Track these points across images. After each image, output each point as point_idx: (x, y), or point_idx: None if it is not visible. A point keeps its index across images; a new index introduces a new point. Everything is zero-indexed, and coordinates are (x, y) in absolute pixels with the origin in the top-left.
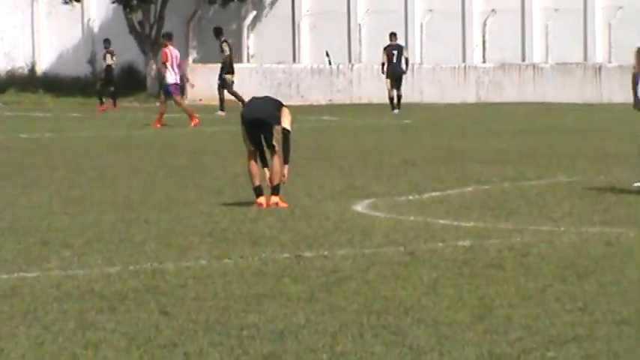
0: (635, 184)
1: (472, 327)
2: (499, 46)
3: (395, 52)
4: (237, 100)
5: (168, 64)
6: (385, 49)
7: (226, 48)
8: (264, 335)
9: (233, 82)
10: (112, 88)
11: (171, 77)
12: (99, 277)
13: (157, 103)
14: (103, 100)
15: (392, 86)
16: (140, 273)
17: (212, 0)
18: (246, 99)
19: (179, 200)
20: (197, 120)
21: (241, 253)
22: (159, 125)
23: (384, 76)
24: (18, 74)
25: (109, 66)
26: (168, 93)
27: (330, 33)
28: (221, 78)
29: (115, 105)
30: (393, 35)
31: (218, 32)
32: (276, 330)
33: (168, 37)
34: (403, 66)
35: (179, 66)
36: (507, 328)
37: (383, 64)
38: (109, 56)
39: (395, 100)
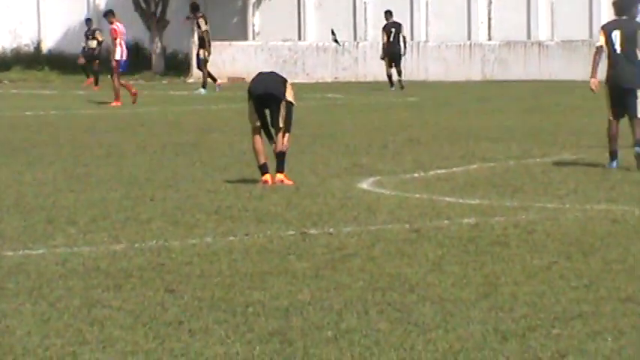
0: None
1: (477, 304)
2: (504, 24)
3: (392, 31)
4: (209, 77)
5: (118, 41)
6: (383, 28)
7: (203, 23)
8: (269, 312)
9: (207, 60)
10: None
11: (119, 54)
12: (104, 254)
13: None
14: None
15: (390, 65)
16: (146, 251)
17: None
18: (251, 76)
19: (185, 178)
20: (120, 103)
21: (246, 230)
22: (119, 103)
23: (381, 54)
24: (23, 52)
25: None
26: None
27: (335, 10)
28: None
29: (96, 84)
30: (388, 13)
31: (194, 8)
32: (281, 307)
33: (112, 13)
34: (401, 45)
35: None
36: (512, 305)
37: (383, 45)
38: (98, 33)
39: (395, 78)
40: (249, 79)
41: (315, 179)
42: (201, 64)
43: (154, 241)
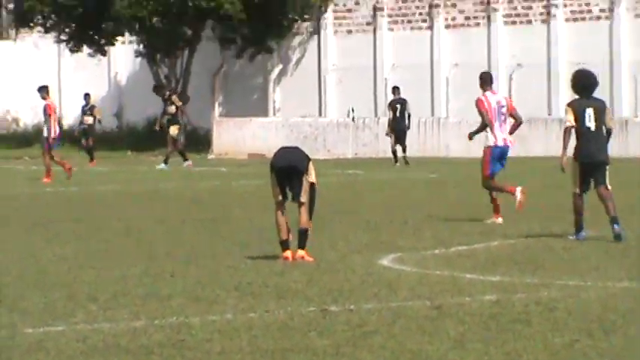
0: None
1: None
2: (525, 101)
3: (398, 107)
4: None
5: (52, 118)
6: (389, 104)
7: (176, 100)
8: None
9: (177, 139)
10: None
11: (53, 131)
12: (125, 331)
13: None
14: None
15: (395, 141)
16: (166, 327)
17: (238, 54)
18: (272, 153)
19: (205, 254)
20: (50, 179)
21: (267, 307)
22: (49, 180)
23: (387, 131)
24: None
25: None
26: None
27: (355, 87)
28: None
29: (92, 160)
30: (395, 89)
31: (158, 89)
32: None
33: (46, 89)
34: (406, 121)
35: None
36: None
37: (389, 120)
38: (96, 110)
39: (399, 154)
40: (269, 155)
41: (335, 255)
42: (170, 141)
43: (175, 318)
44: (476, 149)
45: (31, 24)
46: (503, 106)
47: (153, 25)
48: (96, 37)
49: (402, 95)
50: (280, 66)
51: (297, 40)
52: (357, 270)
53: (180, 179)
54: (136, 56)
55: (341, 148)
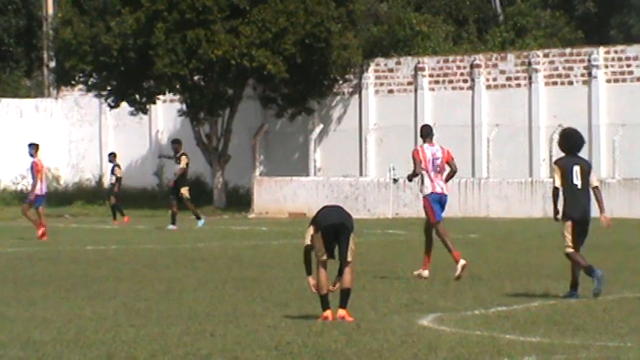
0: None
1: None
2: None
3: None
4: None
5: (39, 176)
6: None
7: (185, 160)
8: None
9: (188, 196)
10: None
11: (40, 189)
12: None
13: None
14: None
15: None
16: None
17: (279, 113)
18: (312, 212)
19: (245, 313)
20: (42, 230)
21: None
22: (44, 237)
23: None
24: (85, 186)
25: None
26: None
27: (396, 147)
28: (175, 192)
29: (115, 219)
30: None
31: (177, 142)
32: None
33: (36, 147)
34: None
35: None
36: None
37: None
38: (117, 169)
39: None
40: (310, 214)
41: (375, 315)
42: (185, 201)
43: None
44: (516, 210)
45: (73, 82)
46: (438, 158)
47: (195, 83)
48: (137, 95)
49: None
50: (321, 125)
51: (338, 99)
52: (397, 330)
53: (221, 238)
54: (179, 115)
55: (381, 208)
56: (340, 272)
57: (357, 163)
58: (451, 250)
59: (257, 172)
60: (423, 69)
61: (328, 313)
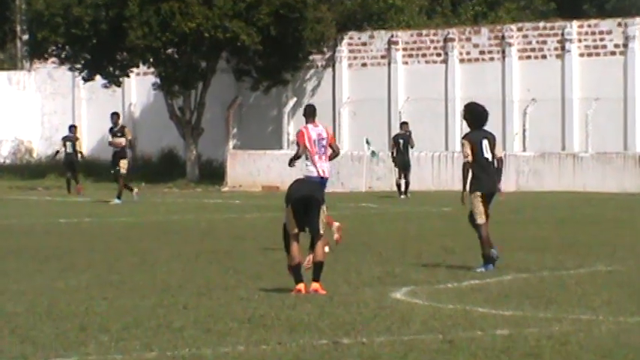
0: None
1: None
2: (539, 135)
3: (401, 141)
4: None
5: None
6: (393, 138)
7: (129, 132)
8: None
9: (124, 172)
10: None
11: None
12: None
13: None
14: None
15: (400, 175)
16: (178, 359)
17: (254, 86)
18: (286, 185)
19: (218, 286)
20: None
21: (279, 339)
22: None
23: (393, 164)
24: (58, 159)
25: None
26: None
27: (369, 120)
28: (114, 165)
29: (69, 190)
30: (402, 125)
31: (116, 115)
32: None
33: None
34: (411, 155)
35: None
36: None
37: (392, 153)
38: (69, 144)
39: (402, 187)
40: (283, 187)
41: (348, 288)
42: (119, 175)
43: (187, 350)
44: None
45: (46, 55)
46: (323, 139)
47: (168, 56)
48: (110, 68)
49: (419, 129)
50: (295, 99)
51: (311, 72)
52: (370, 303)
53: (195, 211)
54: (153, 89)
55: (355, 182)
56: (312, 246)
57: None
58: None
59: (230, 146)
60: (396, 43)
61: (301, 286)
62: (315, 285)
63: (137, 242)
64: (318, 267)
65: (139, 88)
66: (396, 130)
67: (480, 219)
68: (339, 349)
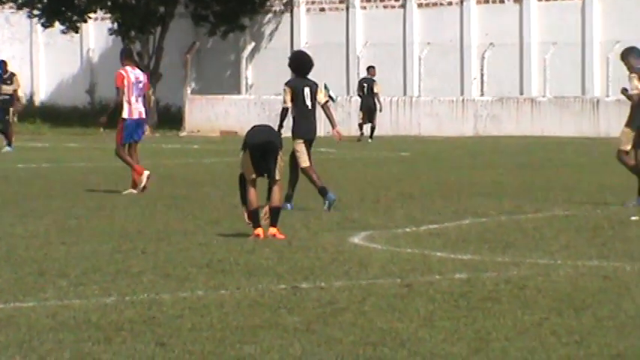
0: (633, 218)
1: None
2: (497, 80)
3: (365, 86)
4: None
5: None
6: (359, 81)
7: (17, 80)
8: None
9: (14, 120)
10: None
11: None
12: (95, 307)
13: None
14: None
15: (363, 119)
16: (136, 304)
17: (212, 31)
18: (244, 130)
19: (177, 231)
20: None
21: (238, 284)
22: None
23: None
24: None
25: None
26: None
27: (328, 65)
28: (5, 111)
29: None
30: (369, 69)
31: (4, 63)
32: None
33: None
34: (375, 100)
35: None
36: None
37: (360, 96)
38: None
39: (368, 132)
40: (241, 132)
41: (306, 233)
42: (7, 123)
43: (145, 295)
44: (447, 128)
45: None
46: (140, 82)
47: (126, 1)
48: (68, 13)
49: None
50: (253, 44)
51: (269, 17)
52: (328, 248)
53: (153, 156)
54: (110, 34)
55: None
56: (269, 191)
57: None
58: (131, 166)
59: (188, 91)
60: None
61: (259, 230)
62: (272, 230)
63: (95, 187)
64: (275, 212)
65: (97, 33)
66: (353, 74)
67: (304, 163)
68: (297, 293)
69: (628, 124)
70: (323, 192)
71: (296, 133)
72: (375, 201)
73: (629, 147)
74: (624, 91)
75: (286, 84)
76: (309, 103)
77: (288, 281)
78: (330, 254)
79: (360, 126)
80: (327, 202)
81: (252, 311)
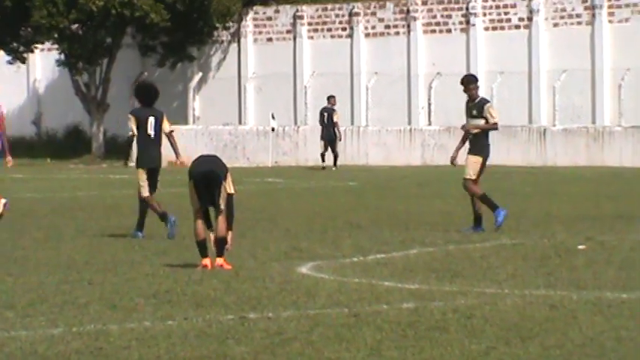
0: (580, 247)
1: None
2: (444, 109)
3: (325, 115)
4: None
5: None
6: (320, 111)
7: None
8: None
9: None
10: None
11: None
12: (42, 338)
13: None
14: None
15: (325, 148)
16: (84, 335)
17: (161, 62)
18: (191, 160)
19: (124, 261)
20: None
21: (185, 314)
22: None
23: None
24: None
25: None
26: None
27: (275, 95)
28: None
29: None
30: (329, 98)
31: None
32: None
33: None
34: (335, 129)
35: None
36: None
37: (321, 125)
38: None
39: (330, 160)
40: (188, 162)
41: (254, 263)
42: None
43: (92, 325)
44: (395, 158)
45: None
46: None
47: (73, 33)
48: (14, 43)
49: (324, 104)
50: (200, 74)
51: (217, 47)
52: (276, 278)
53: (100, 187)
54: (58, 65)
55: (261, 157)
56: (215, 221)
57: (236, 111)
58: None
59: None
60: (301, 17)
61: (207, 261)
62: (219, 260)
63: (42, 218)
64: (220, 242)
65: (43, 63)
66: (301, 104)
67: (144, 193)
68: (245, 323)
69: (475, 153)
70: (164, 217)
71: (139, 162)
72: (322, 231)
73: (475, 176)
74: (463, 127)
75: (130, 113)
76: (151, 132)
77: (235, 311)
78: (277, 284)
79: (322, 155)
80: (169, 225)
81: (199, 342)
